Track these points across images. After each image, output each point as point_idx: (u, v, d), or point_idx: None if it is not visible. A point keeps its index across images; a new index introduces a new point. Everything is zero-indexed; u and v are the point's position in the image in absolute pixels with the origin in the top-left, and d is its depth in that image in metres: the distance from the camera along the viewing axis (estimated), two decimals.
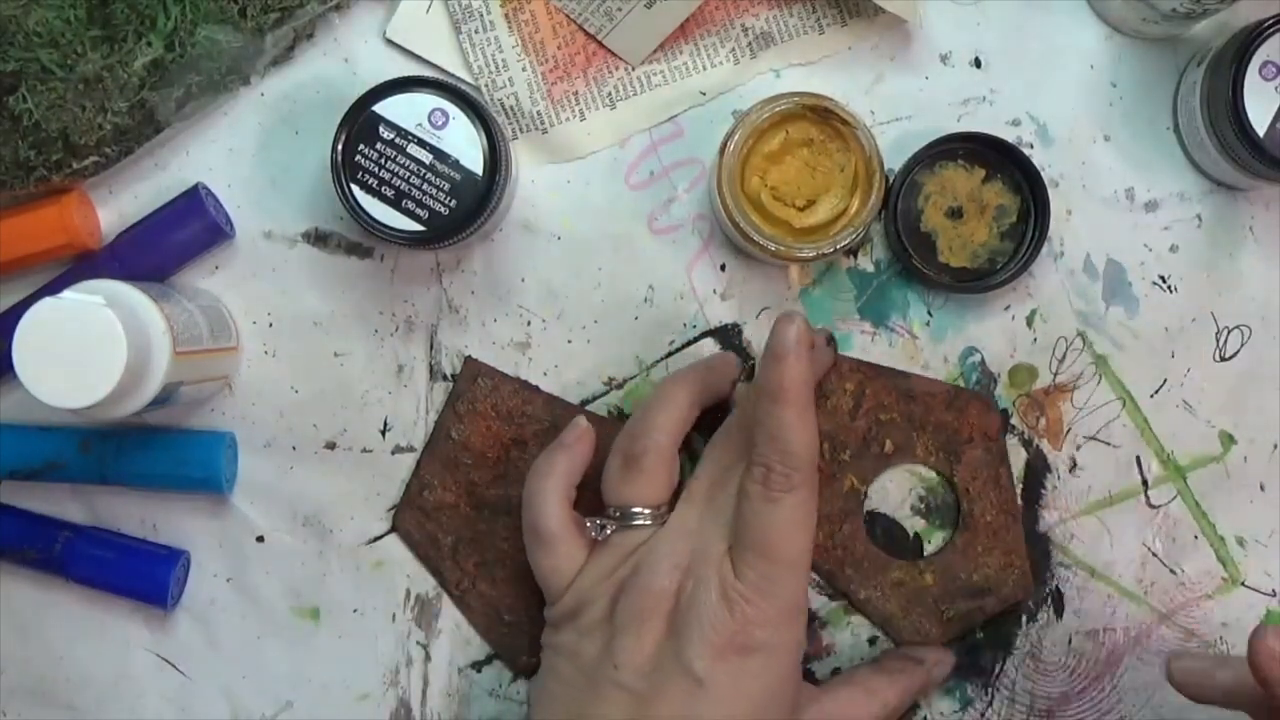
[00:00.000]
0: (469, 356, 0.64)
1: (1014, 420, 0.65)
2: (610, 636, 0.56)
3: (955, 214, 0.63)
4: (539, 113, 0.64)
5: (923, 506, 0.65)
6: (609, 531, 0.59)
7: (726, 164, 0.60)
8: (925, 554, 0.65)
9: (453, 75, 0.64)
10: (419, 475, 0.64)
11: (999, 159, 0.63)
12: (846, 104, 0.63)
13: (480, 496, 0.64)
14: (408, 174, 0.58)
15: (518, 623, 0.64)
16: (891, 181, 0.62)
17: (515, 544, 0.63)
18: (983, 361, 0.65)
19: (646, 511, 0.58)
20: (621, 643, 0.55)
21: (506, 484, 0.64)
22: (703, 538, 0.56)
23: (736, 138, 0.60)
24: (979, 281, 0.63)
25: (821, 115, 0.60)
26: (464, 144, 0.58)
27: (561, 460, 0.60)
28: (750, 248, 0.61)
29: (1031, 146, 0.64)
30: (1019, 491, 0.64)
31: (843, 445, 0.64)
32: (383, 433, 0.65)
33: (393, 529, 0.65)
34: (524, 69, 0.64)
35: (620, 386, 0.65)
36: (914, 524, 0.65)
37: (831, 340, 0.63)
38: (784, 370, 0.55)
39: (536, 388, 0.65)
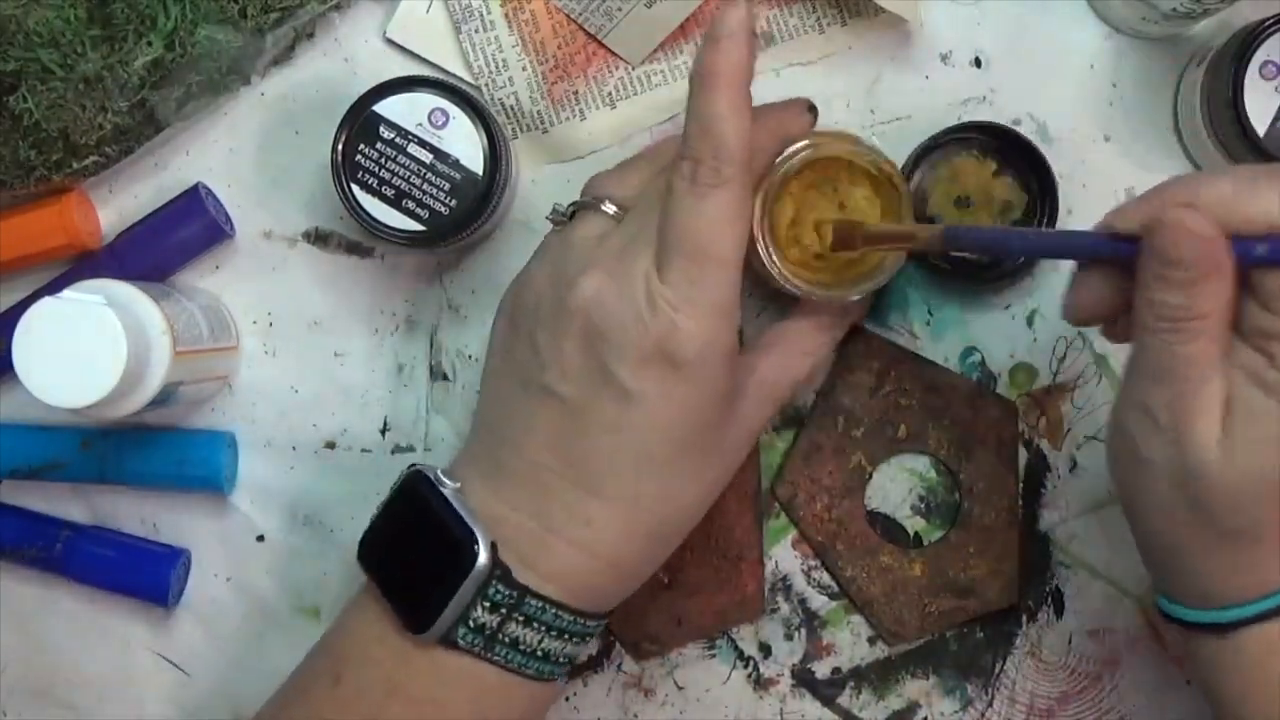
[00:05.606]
0: None
1: None
2: (540, 340, 0.53)
3: (963, 204, 0.63)
4: (539, 112, 0.64)
5: (923, 506, 0.65)
6: (567, 219, 0.56)
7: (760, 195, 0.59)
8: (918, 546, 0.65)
9: (453, 75, 0.64)
10: None
11: (1011, 155, 0.63)
12: (846, 104, 0.63)
13: None
14: (408, 174, 0.58)
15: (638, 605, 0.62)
16: (904, 163, 0.62)
17: None
18: (983, 361, 0.65)
19: (613, 209, 0.55)
20: (549, 348, 0.53)
21: None
22: (634, 243, 0.52)
23: (781, 172, 0.58)
24: (980, 275, 0.63)
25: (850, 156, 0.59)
26: (464, 144, 0.58)
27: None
28: (767, 279, 0.61)
29: None
30: (1020, 492, 0.65)
31: (857, 421, 0.64)
32: (383, 432, 0.65)
33: None
34: (524, 69, 0.64)
35: None
36: (914, 524, 0.65)
37: (812, 109, 0.59)
38: (720, 54, 0.51)
39: None
